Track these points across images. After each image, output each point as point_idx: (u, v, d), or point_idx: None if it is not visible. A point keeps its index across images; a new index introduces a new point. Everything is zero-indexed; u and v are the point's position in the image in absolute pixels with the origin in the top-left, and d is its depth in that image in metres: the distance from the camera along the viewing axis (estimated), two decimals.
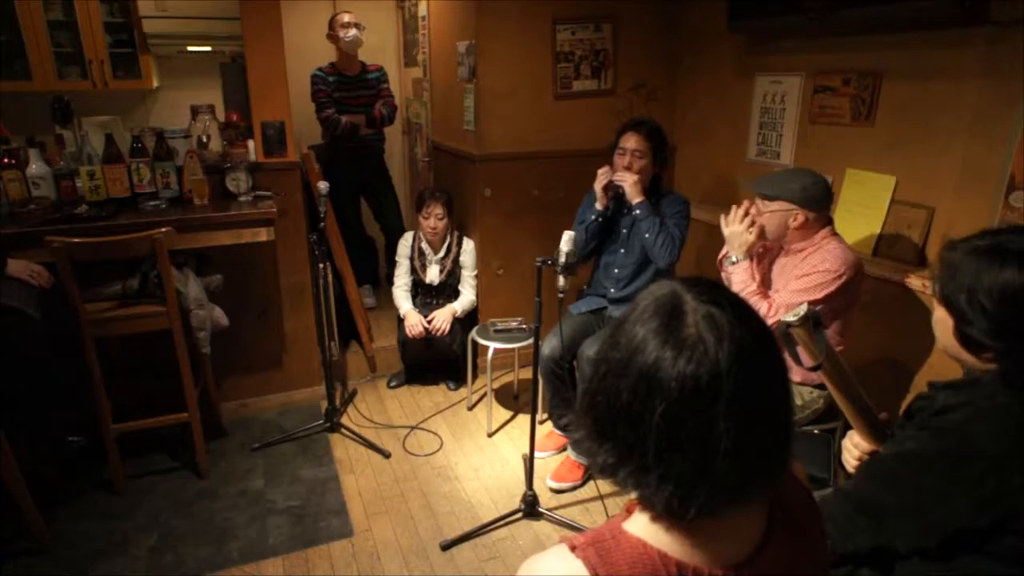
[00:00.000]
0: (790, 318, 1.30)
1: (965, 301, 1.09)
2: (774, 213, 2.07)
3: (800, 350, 1.38)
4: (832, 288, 1.97)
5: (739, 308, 0.70)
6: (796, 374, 2.12)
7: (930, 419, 1.15)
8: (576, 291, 3.00)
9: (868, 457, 1.36)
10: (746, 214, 2.13)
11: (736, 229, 2.13)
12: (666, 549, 0.72)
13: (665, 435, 0.66)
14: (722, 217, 2.20)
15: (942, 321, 1.17)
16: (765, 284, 2.17)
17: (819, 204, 2.05)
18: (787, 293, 2.02)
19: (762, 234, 2.12)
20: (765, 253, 2.24)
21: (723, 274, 2.30)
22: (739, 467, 0.67)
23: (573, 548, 0.73)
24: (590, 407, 0.73)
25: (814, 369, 1.31)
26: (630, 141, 2.59)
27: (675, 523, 0.73)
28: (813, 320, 1.29)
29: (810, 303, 1.92)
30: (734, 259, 2.14)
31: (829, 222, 2.11)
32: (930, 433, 1.13)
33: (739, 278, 2.12)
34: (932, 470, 1.10)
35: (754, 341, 0.69)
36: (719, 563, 0.73)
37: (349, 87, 3.73)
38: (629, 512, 0.78)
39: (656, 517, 0.74)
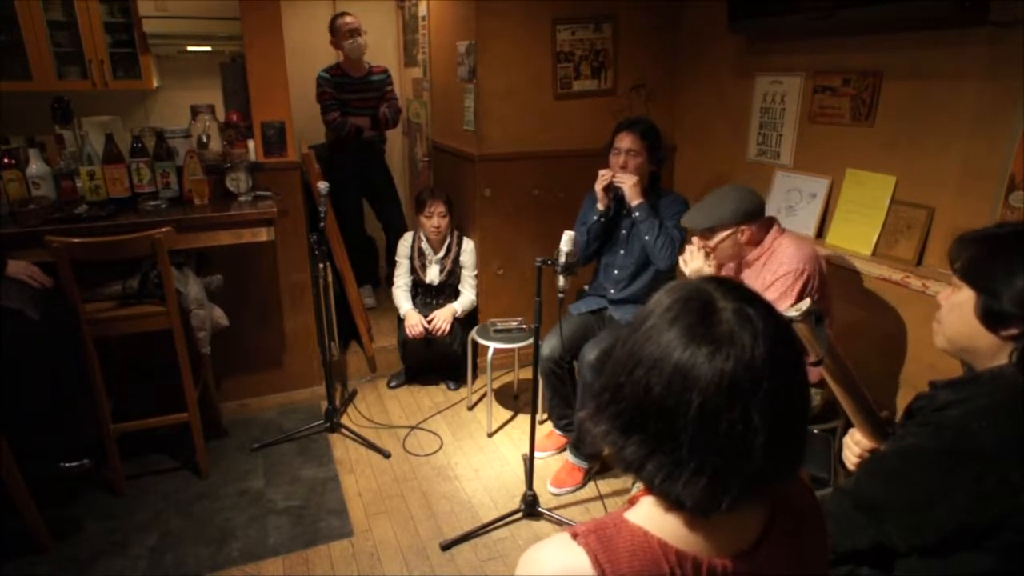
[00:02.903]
0: (792, 314, 1.31)
1: (998, 276, 1.09)
2: (722, 243, 2.12)
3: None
4: (799, 286, 2.00)
5: (767, 307, 0.72)
6: None
7: (930, 416, 1.15)
8: (576, 291, 3.00)
9: (869, 455, 1.36)
10: (701, 248, 2.17)
11: (697, 265, 2.15)
12: (667, 538, 0.73)
13: (702, 429, 0.66)
14: (680, 259, 2.24)
15: (961, 305, 1.16)
16: None
17: (757, 215, 2.11)
18: None
19: (723, 263, 2.17)
20: (732, 275, 2.25)
21: None
22: (772, 462, 0.68)
23: (575, 536, 0.73)
24: (613, 401, 0.73)
25: (815, 364, 1.31)
26: (624, 140, 2.59)
27: (679, 513, 0.73)
28: (815, 315, 1.29)
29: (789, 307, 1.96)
30: None
31: (773, 223, 2.15)
32: (930, 430, 1.13)
33: None
34: (932, 467, 1.10)
35: (784, 338, 0.70)
36: (719, 553, 0.73)
37: (354, 89, 3.73)
38: (632, 503, 0.79)
39: (662, 508, 0.74)
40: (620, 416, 0.72)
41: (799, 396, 0.72)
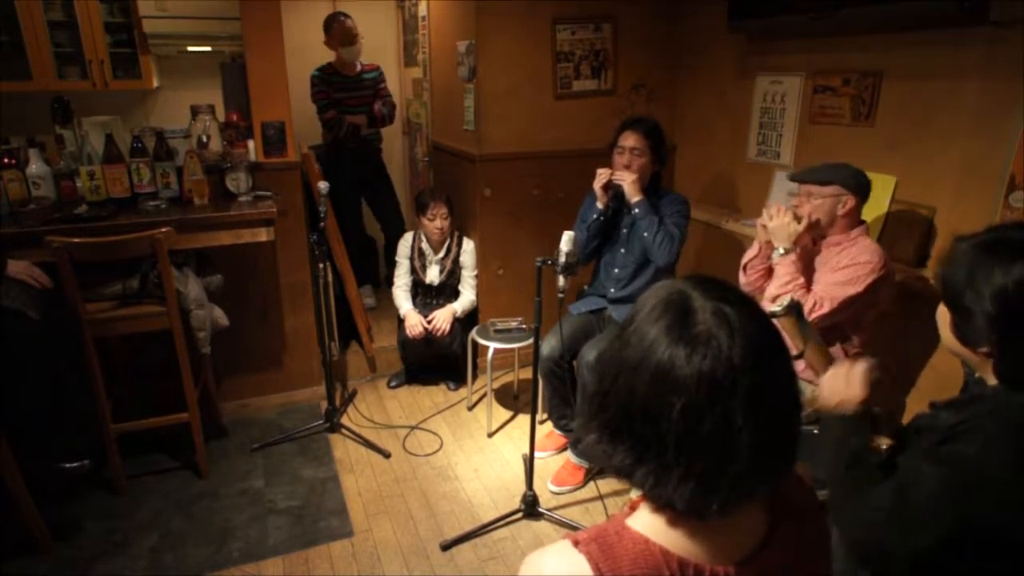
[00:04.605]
0: (775, 308, 1.33)
1: (963, 296, 1.09)
2: (826, 200, 2.06)
3: (784, 339, 1.41)
4: (871, 280, 1.97)
5: (747, 304, 0.71)
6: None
7: (942, 453, 1.11)
8: (576, 291, 3.00)
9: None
10: (790, 209, 2.11)
11: (783, 220, 2.08)
12: (669, 546, 0.73)
13: (685, 432, 0.66)
14: (761, 219, 2.16)
15: (943, 316, 1.17)
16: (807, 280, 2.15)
17: (866, 192, 2.08)
18: (827, 286, 2.01)
19: (815, 224, 2.10)
20: (805, 250, 2.20)
21: (744, 275, 2.30)
22: (759, 463, 0.68)
23: (576, 543, 0.73)
24: (601, 408, 0.73)
25: (796, 358, 1.33)
26: (629, 139, 2.59)
27: (680, 520, 0.73)
28: (796, 310, 1.32)
29: (853, 297, 1.95)
30: (781, 251, 2.09)
31: (865, 222, 2.12)
32: (945, 472, 1.08)
33: (785, 271, 2.07)
34: (951, 507, 1.06)
35: (764, 336, 0.70)
36: (721, 560, 0.73)
37: (349, 87, 3.73)
38: (632, 509, 0.79)
39: (661, 513, 0.74)
40: (609, 424, 0.72)
41: (784, 393, 0.71)
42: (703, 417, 0.66)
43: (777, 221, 2.09)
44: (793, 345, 1.43)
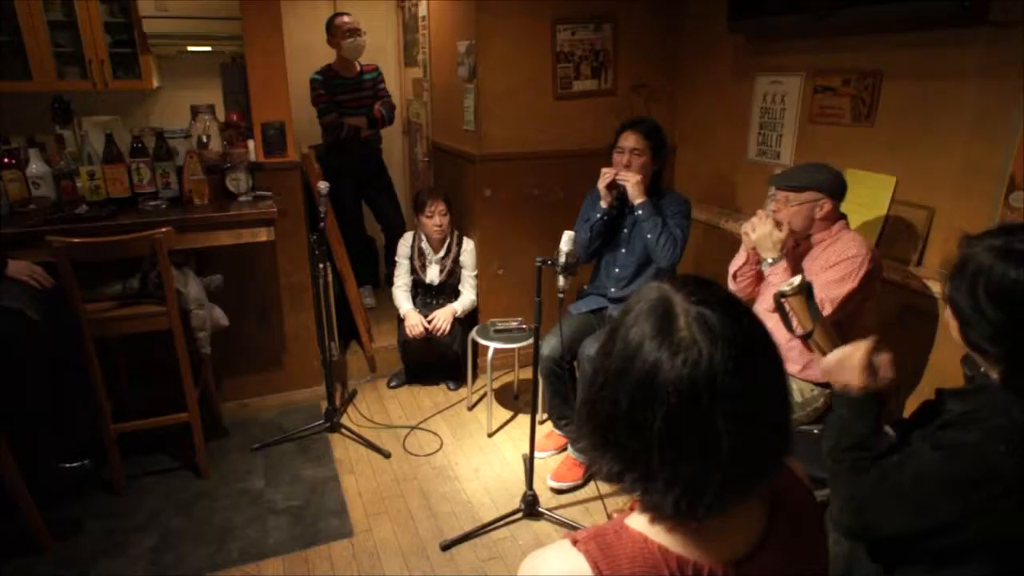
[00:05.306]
0: (785, 288, 1.33)
1: (967, 304, 1.08)
2: (802, 205, 2.08)
3: (792, 319, 1.42)
4: (863, 272, 1.98)
5: (730, 307, 0.70)
6: (795, 366, 2.12)
7: (941, 437, 1.11)
8: (576, 291, 3.00)
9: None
10: (770, 216, 2.12)
11: (766, 229, 2.09)
12: (667, 544, 0.73)
13: (668, 440, 0.66)
14: (744, 228, 2.17)
15: (949, 321, 1.16)
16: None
17: (842, 193, 2.10)
18: (824, 287, 2.00)
19: (793, 229, 2.11)
20: (792, 251, 2.20)
21: (734, 283, 2.31)
22: (744, 466, 0.68)
23: (575, 542, 0.74)
24: (590, 416, 0.73)
25: (805, 337, 1.33)
26: (628, 140, 2.59)
27: (669, 520, 0.73)
28: (807, 290, 1.32)
29: (851, 293, 1.95)
30: (770, 260, 2.10)
31: (844, 216, 2.13)
32: (944, 454, 1.08)
33: (779, 279, 2.05)
34: (948, 494, 1.06)
35: (747, 339, 0.69)
36: (719, 559, 0.73)
37: (348, 89, 3.73)
38: (632, 508, 0.79)
39: (658, 517, 0.74)
40: (596, 431, 0.73)
41: (771, 395, 0.71)
42: (685, 425, 0.66)
43: (760, 231, 2.10)
44: (801, 325, 1.43)
